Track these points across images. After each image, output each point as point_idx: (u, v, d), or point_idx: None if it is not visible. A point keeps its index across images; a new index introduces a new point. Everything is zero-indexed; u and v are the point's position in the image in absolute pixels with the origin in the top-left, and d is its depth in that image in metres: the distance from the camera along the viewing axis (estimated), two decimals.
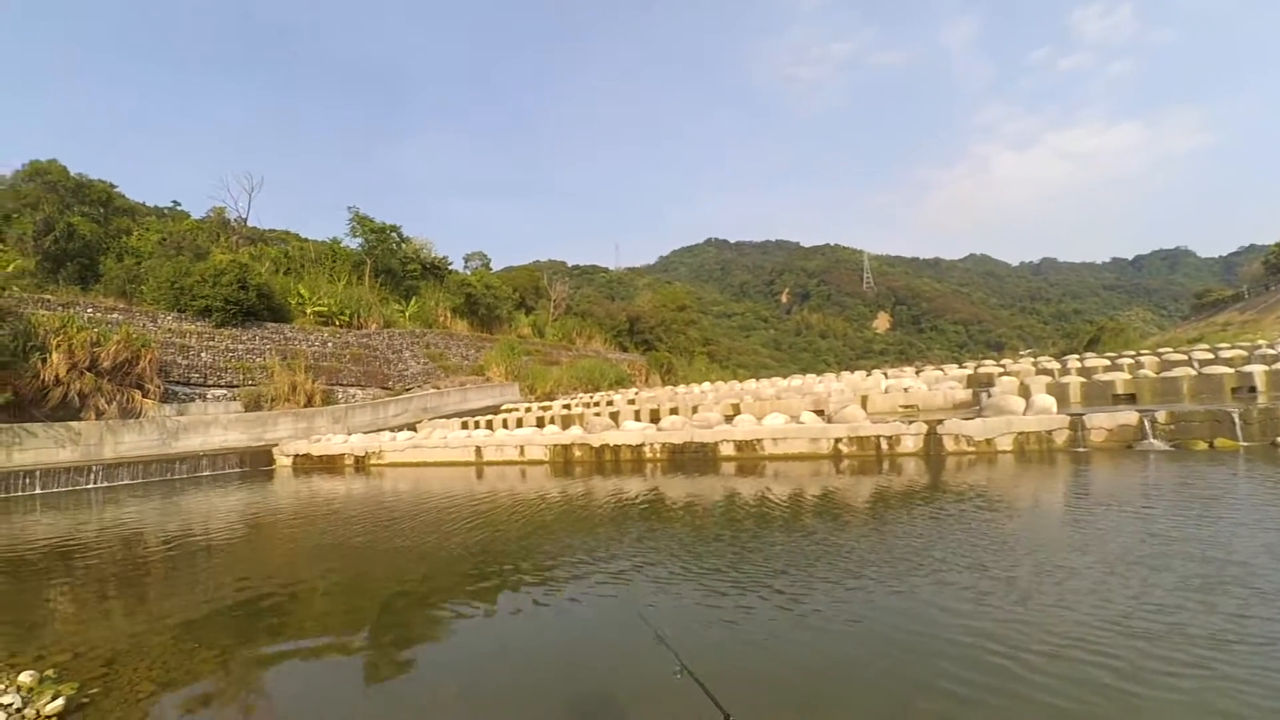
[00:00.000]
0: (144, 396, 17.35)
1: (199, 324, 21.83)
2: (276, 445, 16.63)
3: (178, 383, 19.23)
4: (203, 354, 20.59)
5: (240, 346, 21.86)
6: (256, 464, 15.68)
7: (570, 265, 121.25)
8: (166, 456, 15.14)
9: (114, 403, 16.69)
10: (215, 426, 17.87)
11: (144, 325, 20.14)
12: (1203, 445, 8.93)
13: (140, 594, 5.26)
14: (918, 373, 20.26)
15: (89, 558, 6.65)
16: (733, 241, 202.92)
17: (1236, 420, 9.03)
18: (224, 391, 20.01)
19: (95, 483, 13.17)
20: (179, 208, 36.88)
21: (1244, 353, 16.73)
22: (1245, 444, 8.79)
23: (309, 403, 20.41)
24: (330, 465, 15.25)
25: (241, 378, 20.64)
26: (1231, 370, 12.95)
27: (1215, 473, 7.35)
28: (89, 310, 19.43)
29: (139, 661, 3.61)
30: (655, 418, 15.83)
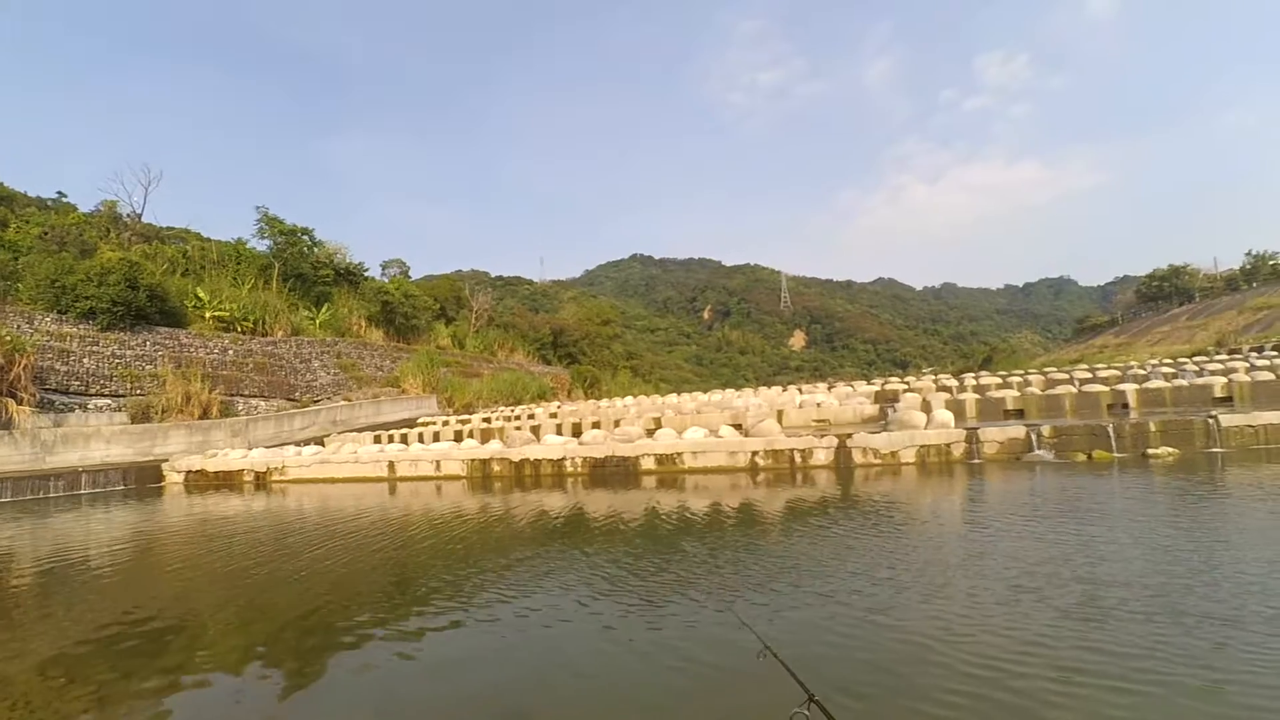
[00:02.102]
0: (18, 405, 15.78)
1: (82, 327, 20.10)
2: (167, 460, 15.47)
3: (56, 391, 17.61)
4: (85, 360, 18.94)
5: (129, 352, 20.25)
6: (144, 480, 14.50)
7: (494, 276, 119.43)
8: (40, 472, 13.82)
9: None
10: (97, 440, 16.45)
11: (18, 327, 18.38)
12: (1082, 456, 9.72)
13: (4, 626, 4.76)
14: (830, 389, 21.05)
15: None
16: (657, 258, 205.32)
17: (1111, 434, 9.90)
18: (109, 401, 18.47)
19: None
20: (65, 199, 34.10)
21: (1118, 373, 18.31)
22: (1119, 455, 9.65)
23: (205, 414, 19.11)
24: (228, 482, 14.32)
25: (129, 386, 19.10)
26: (1107, 389, 14.19)
27: (1093, 482, 8.00)
28: None
29: None
30: (577, 431, 15.75)
